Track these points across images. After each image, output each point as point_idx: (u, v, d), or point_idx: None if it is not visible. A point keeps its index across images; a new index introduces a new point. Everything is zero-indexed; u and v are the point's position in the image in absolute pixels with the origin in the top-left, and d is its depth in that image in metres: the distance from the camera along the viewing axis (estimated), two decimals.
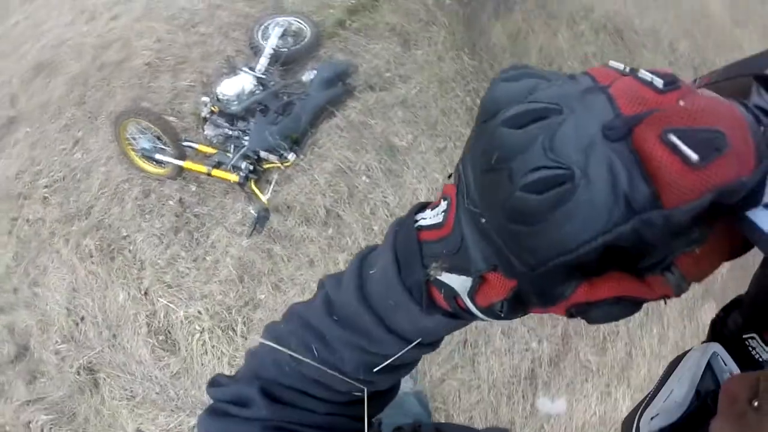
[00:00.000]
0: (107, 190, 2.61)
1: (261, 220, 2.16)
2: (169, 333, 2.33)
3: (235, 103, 2.36)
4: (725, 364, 0.40)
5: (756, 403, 0.28)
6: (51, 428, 2.35)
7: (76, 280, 2.50)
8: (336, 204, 2.34)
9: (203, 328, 2.26)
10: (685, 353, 0.43)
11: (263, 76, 2.47)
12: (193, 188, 2.52)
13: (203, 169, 2.33)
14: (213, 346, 2.26)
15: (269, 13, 2.96)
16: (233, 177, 2.28)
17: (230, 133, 2.39)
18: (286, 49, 2.67)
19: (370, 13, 2.91)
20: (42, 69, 3.12)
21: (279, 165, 2.35)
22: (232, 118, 2.40)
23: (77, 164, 2.73)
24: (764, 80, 0.32)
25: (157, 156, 2.39)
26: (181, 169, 2.40)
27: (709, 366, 0.40)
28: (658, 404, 0.41)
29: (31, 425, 2.37)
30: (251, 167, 2.27)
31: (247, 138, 2.32)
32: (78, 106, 2.88)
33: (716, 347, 0.40)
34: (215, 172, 2.31)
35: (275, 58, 2.60)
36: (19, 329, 2.54)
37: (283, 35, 2.70)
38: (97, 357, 2.36)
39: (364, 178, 2.40)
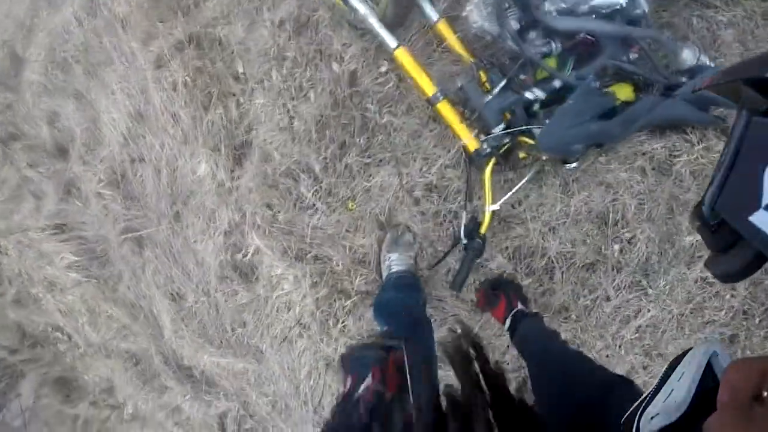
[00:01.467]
0: None
1: (471, 250, 1.18)
2: (253, 270, 1.59)
3: (564, 7, 1.03)
4: (725, 365, 0.39)
5: (766, 394, 0.27)
6: (78, 268, 1.83)
7: (146, 104, 1.59)
8: (564, 261, 1.34)
9: (295, 303, 1.53)
10: (685, 353, 0.42)
11: None
12: (385, 69, 1.38)
13: (429, 88, 1.17)
14: (299, 321, 1.58)
15: None
16: (469, 139, 1.17)
17: (515, 48, 1.10)
18: None
19: None
20: None
21: (540, 157, 1.21)
22: (538, 28, 1.10)
23: None
24: (753, 83, 0.32)
25: (362, 10, 1.18)
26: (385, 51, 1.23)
27: (709, 366, 0.39)
28: (658, 404, 0.40)
29: (56, 259, 1.83)
30: (505, 140, 1.15)
31: (537, 91, 1.09)
32: None
33: (716, 347, 0.40)
34: (442, 107, 1.18)
35: None
36: (61, 125, 1.75)
37: None
38: (148, 232, 1.67)
39: (615, 247, 1.34)
